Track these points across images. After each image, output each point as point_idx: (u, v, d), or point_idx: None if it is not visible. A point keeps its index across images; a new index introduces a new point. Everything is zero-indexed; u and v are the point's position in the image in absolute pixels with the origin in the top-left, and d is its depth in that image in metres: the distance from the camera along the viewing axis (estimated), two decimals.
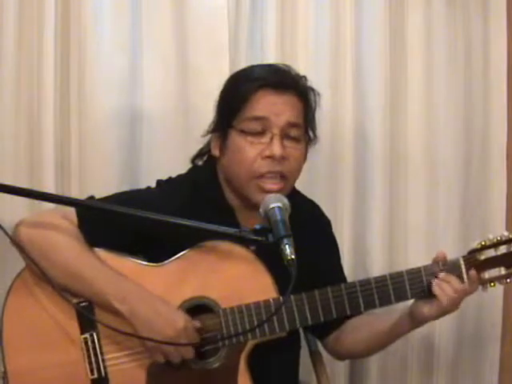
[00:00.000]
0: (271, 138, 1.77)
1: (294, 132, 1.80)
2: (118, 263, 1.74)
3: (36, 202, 2.02)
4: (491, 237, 1.76)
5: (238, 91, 1.81)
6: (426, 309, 1.73)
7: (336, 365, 2.36)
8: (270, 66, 1.93)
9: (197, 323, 1.69)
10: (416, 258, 2.38)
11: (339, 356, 2.03)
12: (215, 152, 1.86)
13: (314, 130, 1.89)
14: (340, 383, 2.42)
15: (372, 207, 2.43)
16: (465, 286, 1.73)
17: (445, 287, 1.71)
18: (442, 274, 1.73)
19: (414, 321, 1.77)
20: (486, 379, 2.53)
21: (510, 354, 2.55)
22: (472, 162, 2.51)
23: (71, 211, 1.77)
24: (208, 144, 1.92)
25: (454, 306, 1.73)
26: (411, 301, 1.78)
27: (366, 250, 2.44)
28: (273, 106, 1.78)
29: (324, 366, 2.07)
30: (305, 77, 1.87)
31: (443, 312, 1.74)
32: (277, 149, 1.76)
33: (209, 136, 1.91)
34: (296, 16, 2.38)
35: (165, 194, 1.84)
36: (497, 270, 1.76)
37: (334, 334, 1.93)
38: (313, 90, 1.87)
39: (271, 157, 1.76)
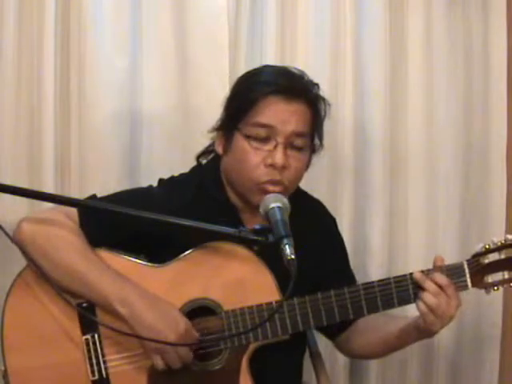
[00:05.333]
0: (275, 146, 1.76)
1: (298, 141, 1.79)
2: (119, 263, 1.74)
3: (36, 202, 2.02)
4: (495, 240, 1.75)
5: (247, 94, 1.79)
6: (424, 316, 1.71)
7: (336, 365, 2.36)
8: (283, 69, 1.88)
9: (196, 334, 1.69)
10: (416, 258, 2.38)
11: (351, 355, 2.04)
12: (219, 150, 1.86)
13: (320, 140, 1.87)
14: (340, 383, 2.42)
15: (372, 207, 2.43)
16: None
17: (428, 283, 1.70)
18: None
19: (418, 330, 1.74)
20: (485, 380, 2.52)
21: (510, 355, 2.55)
22: (472, 162, 2.51)
23: (73, 210, 1.76)
24: (213, 143, 1.91)
25: (444, 306, 1.69)
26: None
27: (366, 249, 2.44)
28: (280, 114, 1.76)
29: (324, 367, 2.07)
30: (317, 85, 1.85)
31: (433, 310, 1.69)
32: (279, 158, 1.75)
33: (211, 136, 1.90)
34: (296, 16, 2.37)
35: (167, 193, 1.84)
36: (500, 273, 1.75)
37: (343, 334, 1.93)
38: (323, 99, 1.85)
39: (273, 165, 1.75)
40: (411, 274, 1.75)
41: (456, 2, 2.46)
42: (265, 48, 2.34)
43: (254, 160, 1.77)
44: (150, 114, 2.31)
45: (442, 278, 1.70)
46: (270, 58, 2.30)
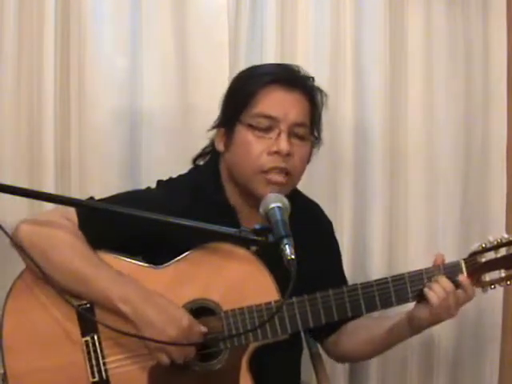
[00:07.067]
0: (278, 134, 1.77)
1: (299, 130, 1.80)
2: (118, 265, 1.73)
3: (36, 202, 2.02)
4: (491, 239, 1.76)
5: (247, 86, 1.81)
6: (421, 313, 1.73)
7: (336, 365, 2.36)
8: (279, 64, 1.95)
9: (203, 328, 1.68)
10: (416, 258, 2.38)
11: (338, 358, 2.03)
12: (220, 147, 1.86)
13: (319, 132, 1.88)
14: (340, 383, 2.42)
15: (372, 207, 2.43)
16: (460, 291, 1.73)
17: (434, 287, 1.71)
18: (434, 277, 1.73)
19: (412, 326, 1.77)
20: (486, 379, 2.53)
21: (510, 355, 2.55)
22: (472, 162, 2.51)
23: (72, 211, 1.76)
24: (210, 144, 1.92)
25: (447, 308, 1.72)
26: (411, 304, 1.78)
27: (365, 250, 2.44)
28: (281, 104, 1.78)
29: (324, 367, 2.07)
30: (313, 78, 1.87)
31: (437, 315, 1.73)
32: (284, 144, 1.76)
33: (210, 136, 1.91)
34: (296, 16, 2.38)
35: (166, 195, 1.83)
36: (497, 272, 1.76)
37: (332, 336, 1.93)
38: (321, 91, 1.87)
39: (278, 152, 1.76)
40: (408, 272, 1.75)
41: (456, 2, 2.47)
42: (265, 47, 2.34)
43: (258, 148, 1.78)
44: (150, 114, 2.31)
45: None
46: (270, 57, 2.30)
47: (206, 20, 2.32)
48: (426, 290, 1.72)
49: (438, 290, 1.71)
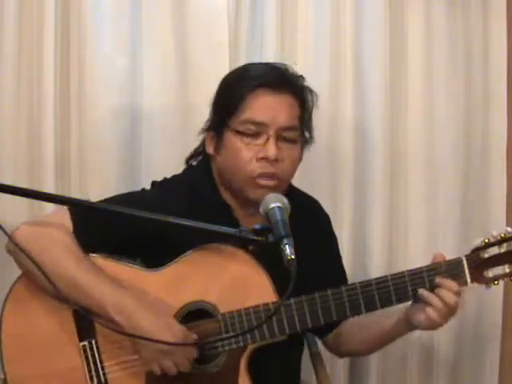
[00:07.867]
0: (267, 139, 1.76)
1: (289, 134, 1.79)
2: (115, 269, 1.72)
3: (36, 202, 2.02)
4: (495, 233, 1.73)
5: (235, 91, 1.80)
6: (420, 316, 1.71)
7: (336, 365, 2.36)
8: (266, 64, 1.92)
9: (194, 337, 1.68)
10: (416, 258, 2.38)
11: (338, 354, 2.03)
12: (210, 150, 1.85)
13: (310, 131, 1.87)
14: (340, 383, 2.42)
15: (372, 207, 2.43)
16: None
17: (436, 304, 1.68)
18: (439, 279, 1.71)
19: (410, 325, 1.76)
20: (485, 378, 2.53)
21: (510, 354, 2.55)
22: (472, 162, 2.51)
23: (66, 216, 1.74)
24: (202, 144, 1.91)
25: (444, 318, 1.71)
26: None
27: (365, 250, 2.44)
28: (270, 108, 1.77)
29: (324, 367, 2.07)
30: (302, 76, 1.85)
31: (433, 321, 1.71)
32: (271, 150, 1.75)
33: (202, 136, 1.91)
34: (296, 16, 2.38)
35: (161, 196, 1.82)
36: (501, 267, 1.73)
37: (333, 332, 1.93)
38: (310, 90, 1.86)
39: (265, 158, 1.76)
40: (408, 271, 1.74)
41: (456, 2, 2.47)
42: (265, 47, 2.34)
43: (247, 155, 1.77)
44: (150, 114, 2.32)
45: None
46: (270, 57, 2.29)
47: (206, 20, 2.32)
48: (428, 309, 1.69)
49: (440, 308, 1.68)
